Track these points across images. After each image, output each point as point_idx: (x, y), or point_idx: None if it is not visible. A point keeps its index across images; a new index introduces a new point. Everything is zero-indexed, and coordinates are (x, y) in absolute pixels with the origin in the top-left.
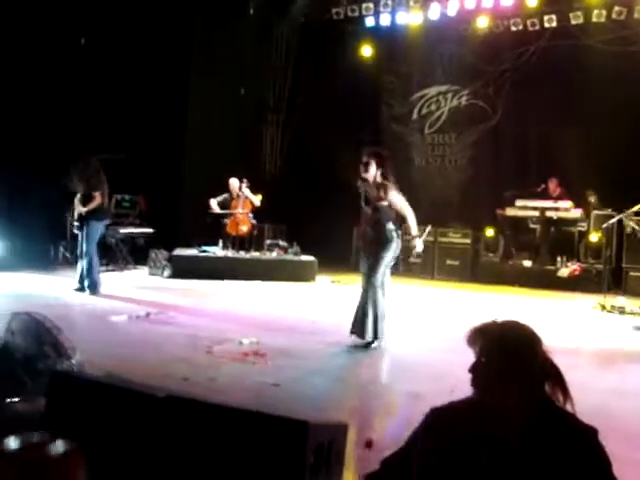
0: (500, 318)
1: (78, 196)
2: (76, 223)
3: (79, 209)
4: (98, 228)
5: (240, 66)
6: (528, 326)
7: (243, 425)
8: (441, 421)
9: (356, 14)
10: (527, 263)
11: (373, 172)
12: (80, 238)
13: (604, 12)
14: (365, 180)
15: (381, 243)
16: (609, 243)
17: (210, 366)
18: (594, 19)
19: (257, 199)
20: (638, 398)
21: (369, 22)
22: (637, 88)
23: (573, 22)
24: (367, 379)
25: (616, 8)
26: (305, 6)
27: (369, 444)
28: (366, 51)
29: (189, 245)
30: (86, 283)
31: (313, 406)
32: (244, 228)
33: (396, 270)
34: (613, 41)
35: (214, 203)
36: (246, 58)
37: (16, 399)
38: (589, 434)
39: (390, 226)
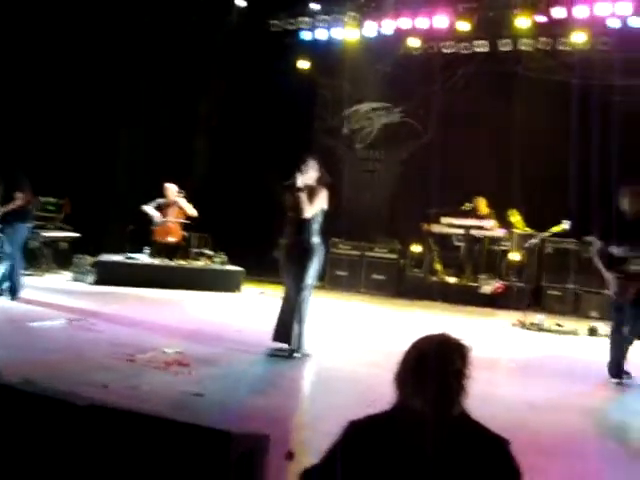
0: (431, 332)
1: None
2: None
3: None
4: (23, 230)
5: (174, 74)
6: (454, 340)
7: (165, 435)
8: (359, 434)
9: (293, 27)
10: (451, 279)
11: (313, 176)
12: (1, 240)
13: (532, 41)
14: (297, 190)
15: (306, 253)
16: (530, 262)
17: (132, 374)
18: (522, 47)
19: (192, 209)
20: (553, 412)
21: (306, 36)
22: (559, 115)
23: (502, 49)
24: (290, 390)
25: (543, 39)
26: (242, 17)
27: (290, 455)
28: (302, 64)
29: (115, 251)
30: (5, 287)
31: (236, 416)
32: (173, 237)
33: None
34: (539, 69)
35: (150, 209)
36: (181, 66)
37: None
38: (501, 445)
39: (315, 237)
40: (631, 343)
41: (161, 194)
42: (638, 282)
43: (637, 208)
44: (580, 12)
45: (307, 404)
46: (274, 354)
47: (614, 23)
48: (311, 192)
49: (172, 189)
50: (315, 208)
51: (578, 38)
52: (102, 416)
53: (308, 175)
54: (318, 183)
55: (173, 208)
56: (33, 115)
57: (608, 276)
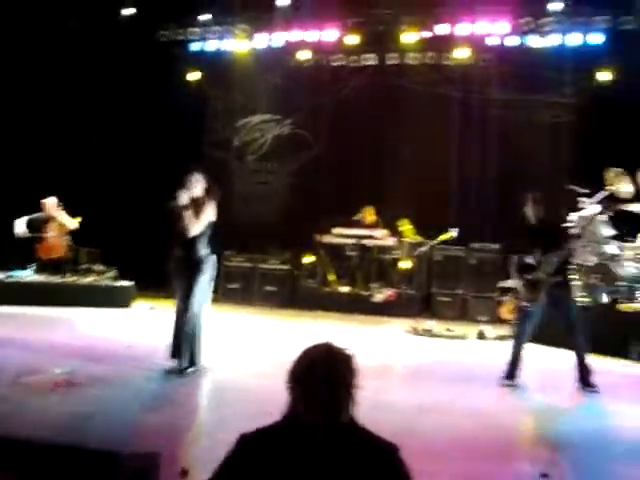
0: (316, 342)
1: None
2: None
3: None
4: None
5: (58, 83)
6: (339, 348)
7: (53, 460)
8: (251, 446)
9: (183, 38)
10: (344, 289)
11: (199, 189)
12: None
13: (418, 55)
14: (182, 209)
15: (195, 267)
16: (420, 270)
17: (20, 398)
18: (408, 61)
19: (72, 222)
20: (443, 415)
21: (195, 47)
22: (444, 127)
23: (389, 62)
24: (184, 406)
25: (429, 53)
26: (129, 25)
27: (184, 473)
28: (192, 76)
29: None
30: None
31: (127, 435)
32: (56, 253)
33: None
34: (424, 83)
35: (21, 225)
36: (64, 76)
37: None
38: (390, 451)
39: (204, 250)
40: (524, 347)
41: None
42: (543, 287)
43: (539, 213)
44: (462, 30)
45: (201, 419)
46: (168, 370)
47: (493, 41)
48: (197, 206)
49: (50, 203)
50: (202, 223)
51: (461, 54)
52: None
53: (194, 189)
54: (205, 196)
55: (53, 223)
56: None
57: (517, 283)
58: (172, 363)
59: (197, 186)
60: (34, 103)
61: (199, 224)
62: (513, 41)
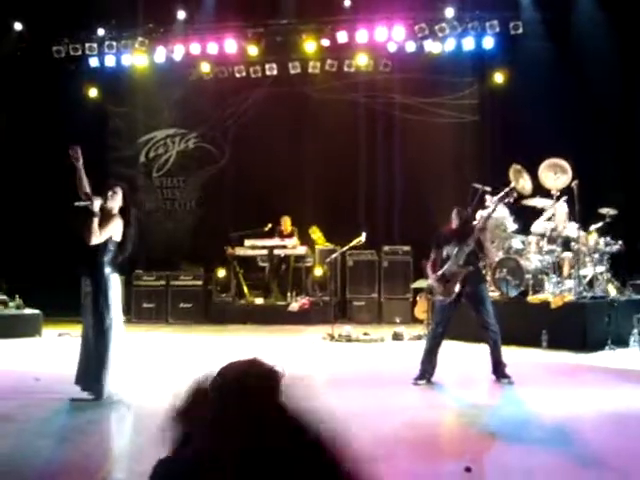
0: (236, 358)
1: None
2: None
3: None
4: None
5: None
6: (264, 365)
7: None
8: (167, 473)
9: (79, 53)
10: (259, 300)
11: (115, 204)
12: None
13: (318, 64)
14: (91, 214)
15: (98, 287)
16: (333, 276)
17: None
18: (310, 70)
19: None
20: (362, 418)
21: (93, 62)
22: (347, 132)
23: (292, 71)
24: (99, 435)
25: (329, 61)
26: (20, 40)
27: None
28: (90, 92)
29: None
30: None
31: (39, 474)
32: None
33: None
34: (326, 90)
35: None
36: None
37: None
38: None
39: (107, 269)
40: (440, 344)
41: None
42: (456, 280)
43: (456, 222)
44: (361, 37)
45: (115, 450)
46: (77, 399)
47: (392, 47)
48: (105, 218)
49: None
50: (103, 236)
51: (361, 60)
52: None
53: (109, 201)
54: (118, 213)
55: None
56: None
57: (431, 280)
58: (80, 391)
59: (113, 199)
60: None
61: (100, 235)
62: (411, 47)
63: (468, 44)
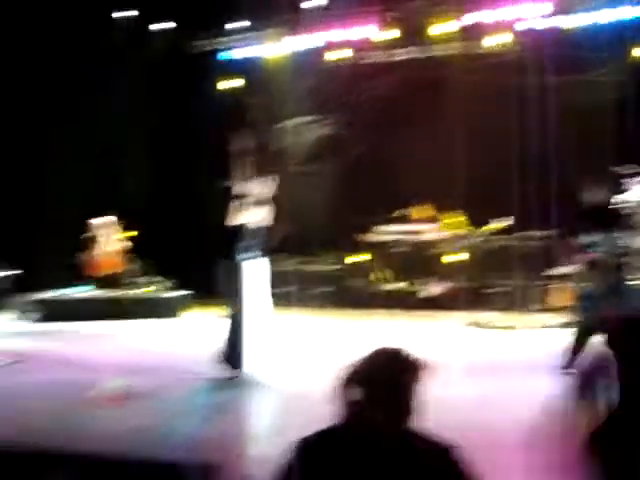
0: (379, 346)
1: None
2: None
3: None
4: None
5: (97, 100)
6: (408, 355)
7: (117, 474)
8: (309, 451)
9: (215, 47)
10: (394, 286)
11: (265, 190)
12: None
13: (456, 45)
14: (234, 197)
15: (231, 268)
16: (470, 262)
17: (77, 414)
18: (446, 52)
19: (122, 240)
20: (503, 408)
21: (229, 55)
22: (486, 116)
23: (427, 54)
24: (238, 414)
25: (464, 43)
26: (163, 38)
27: None
28: (226, 84)
29: (56, 287)
30: None
31: (183, 447)
32: (108, 270)
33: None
34: (463, 72)
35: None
36: (103, 92)
37: None
38: (446, 451)
39: (250, 252)
40: (588, 334)
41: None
42: (605, 268)
43: (596, 197)
44: (496, 16)
45: (256, 426)
46: (221, 378)
47: (525, 25)
48: (248, 203)
49: (95, 223)
50: (243, 219)
51: (496, 40)
52: (46, 463)
53: (256, 188)
54: (263, 199)
55: (101, 241)
56: None
57: (576, 265)
58: (223, 370)
59: (260, 186)
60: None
61: (240, 218)
62: (545, 23)
63: (605, 16)
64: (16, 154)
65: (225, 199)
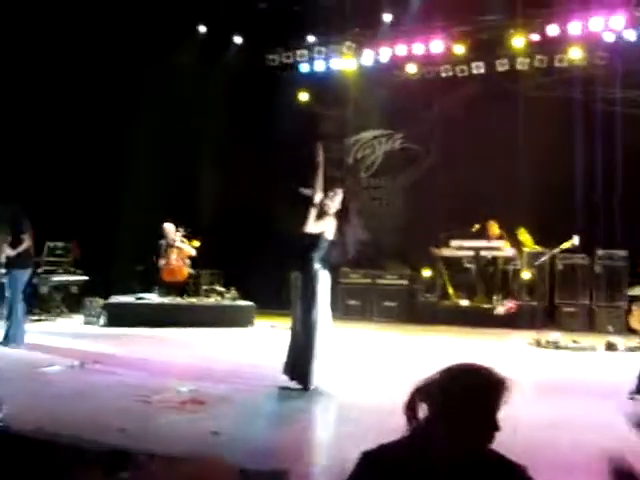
0: (454, 362)
1: (7, 242)
2: (2, 270)
3: (7, 252)
4: (22, 276)
5: (174, 112)
6: (489, 373)
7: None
8: (374, 464)
9: (291, 60)
10: (464, 302)
11: (337, 202)
12: (5, 287)
13: (527, 60)
14: (311, 203)
15: (306, 279)
16: (542, 280)
17: (147, 416)
18: (518, 66)
19: (191, 248)
20: (571, 430)
21: (304, 68)
22: (560, 131)
23: (499, 69)
24: (306, 424)
25: (538, 56)
26: (239, 53)
27: None
28: (301, 97)
29: (125, 292)
30: (7, 333)
31: (253, 453)
32: (178, 277)
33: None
34: (537, 87)
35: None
36: (180, 104)
37: None
38: (518, 472)
39: (317, 265)
40: None
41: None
42: None
43: None
44: (575, 28)
45: (322, 437)
46: (287, 388)
47: (609, 37)
48: (321, 213)
49: (170, 229)
50: (316, 229)
51: (574, 54)
52: (120, 461)
53: (329, 200)
54: (335, 213)
55: (174, 248)
56: (38, 159)
57: None
58: (290, 381)
59: (333, 199)
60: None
61: (315, 226)
62: (631, 35)
63: None
64: (93, 163)
65: (297, 210)
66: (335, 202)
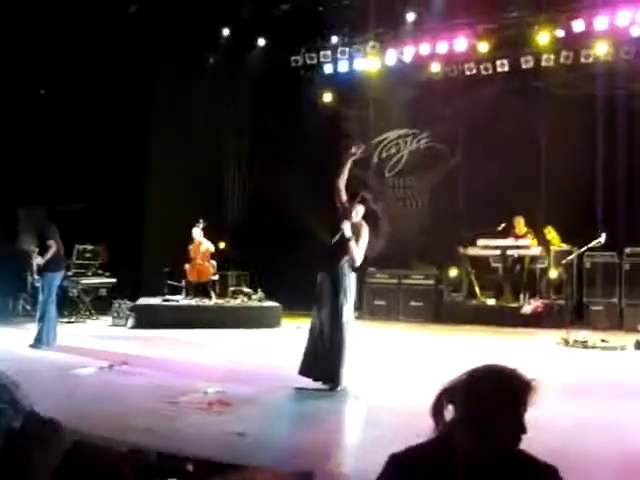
0: (481, 362)
1: (36, 250)
2: (37, 277)
3: (37, 261)
4: (53, 280)
5: (200, 114)
6: (517, 376)
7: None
8: (402, 467)
9: (314, 61)
10: (491, 301)
11: (362, 212)
12: (39, 290)
13: (552, 56)
14: (348, 240)
15: (337, 281)
16: (570, 279)
17: (175, 417)
18: (543, 63)
19: (210, 244)
20: (602, 432)
21: (327, 69)
22: (586, 128)
23: (524, 66)
24: (333, 425)
25: (564, 52)
26: (263, 54)
27: None
28: (325, 97)
29: (153, 294)
30: (39, 335)
31: (280, 455)
32: (204, 277)
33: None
34: (562, 84)
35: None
36: (206, 106)
37: None
38: (550, 474)
39: (347, 264)
40: None
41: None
42: None
43: None
44: (601, 23)
45: (349, 439)
46: (313, 389)
47: (636, 31)
48: (356, 235)
49: (195, 231)
50: (362, 249)
51: (600, 49)
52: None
53: (355, 218)
54: (361, 222)
55: (200, 251)
56: (67, 164)
57: None
58: (314, 382)
59: (357, 216)
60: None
61: (361, 252)
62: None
63: None
64: (122, 167)
65: (323, 212)
66: (360, 214)
